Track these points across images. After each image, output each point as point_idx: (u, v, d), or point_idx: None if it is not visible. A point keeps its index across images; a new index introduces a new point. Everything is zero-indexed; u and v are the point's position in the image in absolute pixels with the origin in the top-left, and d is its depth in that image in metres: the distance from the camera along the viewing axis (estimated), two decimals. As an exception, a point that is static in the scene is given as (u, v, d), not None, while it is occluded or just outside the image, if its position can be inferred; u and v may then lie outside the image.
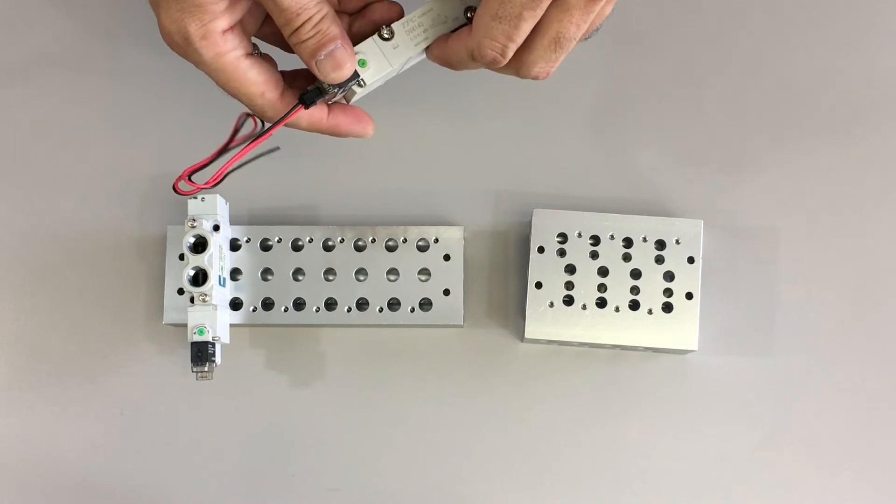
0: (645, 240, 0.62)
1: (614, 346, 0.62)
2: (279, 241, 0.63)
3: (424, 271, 0.63)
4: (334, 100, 0.52)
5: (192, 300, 0.58)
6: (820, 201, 0.65)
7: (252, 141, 0.52)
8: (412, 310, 0.62)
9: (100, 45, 0.67)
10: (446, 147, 0.66)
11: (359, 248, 0.63)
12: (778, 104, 0.66)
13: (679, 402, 0.63)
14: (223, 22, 0.49)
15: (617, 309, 0.61)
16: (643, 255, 0.61)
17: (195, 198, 0.60)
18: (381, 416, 0.64)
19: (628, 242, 0.62)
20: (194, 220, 0.59)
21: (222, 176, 0.53)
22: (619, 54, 0.67)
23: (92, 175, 0.66)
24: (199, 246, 0.59)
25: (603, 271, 0.62)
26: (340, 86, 0.51)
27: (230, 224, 0.63)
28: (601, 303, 0.61)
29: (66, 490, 0.64)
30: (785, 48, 0.67)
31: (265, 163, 0.66)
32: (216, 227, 0.60)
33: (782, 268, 0.64)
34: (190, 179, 0.53)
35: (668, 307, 0.61)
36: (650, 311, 0.61)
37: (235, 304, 0.63)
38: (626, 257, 0.62)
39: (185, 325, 0.58)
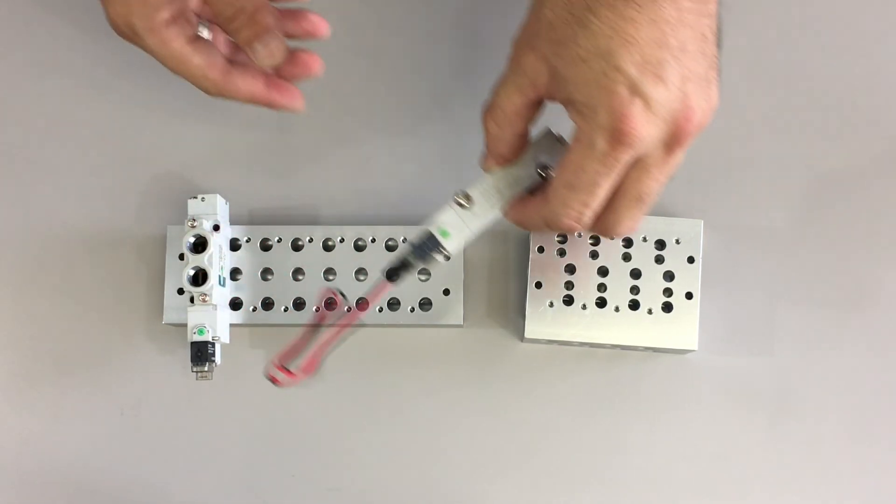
0: (645, 240, 0.62)
1: (614, 346, 0.62)
2: (279, 241, 0.63)
3: (424, 271, 0.63)
4: (417, 270, 0.53)
5: (192, 300, 0.59)
6: (820, 201, 0.65)
7: (340, 324, 0.52)
8: (412, 310, 0.62)
9: (100, 44, 0.67)
10: (446, 147, 0.66)
11: (359, 248, 0.63)
12: (778, 104, 0.66)
13: (679, 402, 0.63)
14: (165, 13, 0.52)
15: (617, 309, 0.61)
16: (643, 255, 0.61)
17: (195, 197, 0.60)
18: (381, 416, 0.64)
19: (628, 242, 0.62)
20: (194, 220, 0.59)
21: (318, 363, 0.52)
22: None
23: (92, 175, 0.66)
24: (199, 246, 0.59)
25: (603, 271, 0.62)
26: (424, 259, 0.51)
27: (230, 224, 0.63)
28: (601, 303, 0.61)
29: (66, 490, 0.64)
30: (785, 47, 0.67)
31: (265, 163, 0.66)
32: (216, 227, 0.60)
33: (782, 268, 0.64)
34: (283, 367, 0.52)
35: (667, 307, 0.61)
36: (650, 311, 0.61)
37: (235, 304, 0.63)
38: (626, 257, 0.62)
39: (185, 325, 0.59)
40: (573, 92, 0.46)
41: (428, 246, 0.51)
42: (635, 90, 0.44)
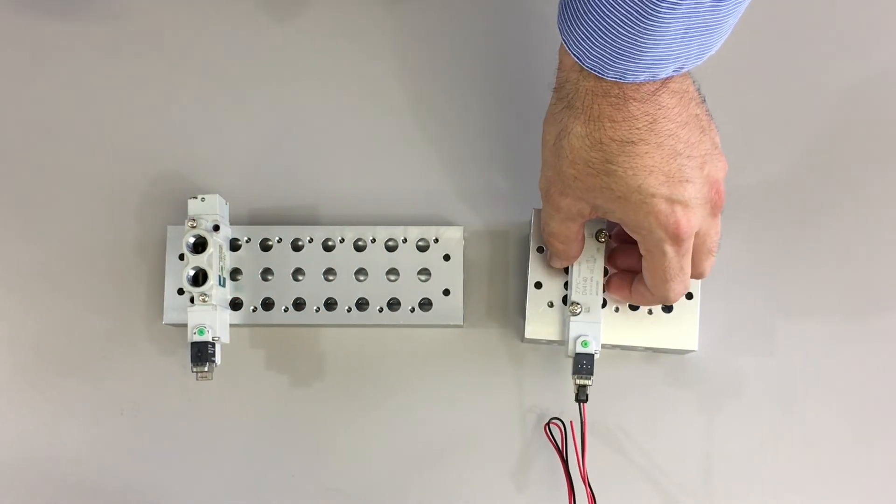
0: (645, 240, 0.61)
1: (614, 346, 0.62)
2: (279, 241, 0.63)
3: (424, 271, 0.63)
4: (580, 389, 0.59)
5: (192, 300, 0.58)
6: (820, 201, 0.65)
7: None
8: (412, 310, 0.62)
9: (100, 45, 0.67)
10: (446, 147, 0.66)
11: (359, 248, 0.63)
12: (778, 104, 0.66)
13: (679, 402, 0.63)
14: None
15: (617, 309, 0.61)
16: (643, 255, 0.61)
17: (195, 197, 0.60)
18: (381, 416, 0.64)
19: (628, 242, 0.62)
20: (194, 220, 0.59)
21: None
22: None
23: (92, 175, 0.66)
24: (199, 246, 0.59)
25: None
26: (591, 372, 0.58)
27: (230, 224, 0.63)
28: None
29: (66, 490, 0.64)
30: (785, 47, 0.67)
31: (265, 163, 0.66)
32: (216, 227, 0.60)
33: (782, 268, 0.64)
34: None
35: (668, 307, 0.61)
36: (650, 311, 0.61)
37: (235, 304, 0.63)
38: (626, 257, 0.62)
39: (185, 325, 0.59)
40: (622, 219, 0.53)
41: (585, 364, 0.58)
42: (672, 201, 0.51)
